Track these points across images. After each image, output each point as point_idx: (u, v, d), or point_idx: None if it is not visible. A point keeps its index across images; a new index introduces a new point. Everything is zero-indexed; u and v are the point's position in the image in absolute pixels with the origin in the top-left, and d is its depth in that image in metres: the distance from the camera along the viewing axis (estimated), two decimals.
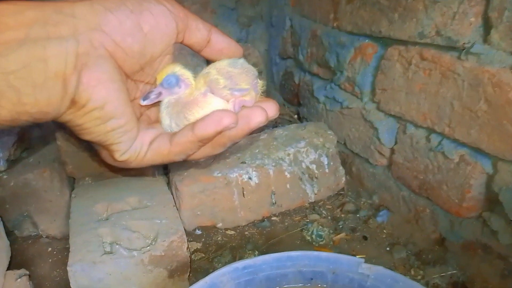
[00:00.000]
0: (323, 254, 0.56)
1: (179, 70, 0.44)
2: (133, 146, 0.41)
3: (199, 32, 0.44)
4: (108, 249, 0.65)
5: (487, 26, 0.61)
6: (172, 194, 0.82)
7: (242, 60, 0.46)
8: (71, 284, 0.61)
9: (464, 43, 0.65)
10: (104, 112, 0.37)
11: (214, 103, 0.43)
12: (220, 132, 0.40)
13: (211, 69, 0.44)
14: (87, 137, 0.40)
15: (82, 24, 0.36)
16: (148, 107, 0.47)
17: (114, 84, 0.38)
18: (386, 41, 0.82)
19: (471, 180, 0.68)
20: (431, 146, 0.74)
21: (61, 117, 0.38)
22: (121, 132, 0.40)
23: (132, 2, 0.39)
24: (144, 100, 0.44)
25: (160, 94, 0.44)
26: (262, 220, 0.90)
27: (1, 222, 0.67)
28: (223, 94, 0.43)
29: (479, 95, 0.63)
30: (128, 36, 0.38)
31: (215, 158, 0.88)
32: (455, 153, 0.70)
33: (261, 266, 0.55)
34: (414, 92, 0.76)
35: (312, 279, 0.56)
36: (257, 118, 0.41)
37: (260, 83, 0.46)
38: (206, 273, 0.64)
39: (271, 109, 0.43)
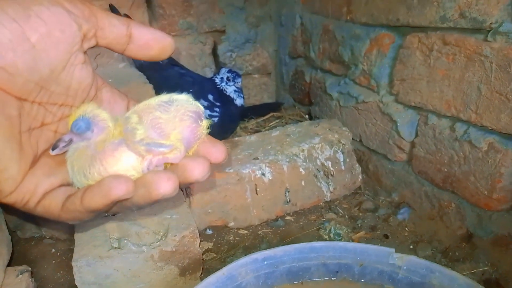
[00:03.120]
0: (350, 244, 0.51)
1: (91, 111, 0.36)
2: (19, 190, 0.34)
3: (114, 28, 0.37)
4: (115, 244, 0.61)
5: None
6: (181, 190, 0.78)
7: (183, 97, 0.37)
8: (75, 281, 0.56)
9: (491, 23, 0.61)
10: None
11: (123, 161, 0.35)
12: (112, 204, 0.33)
13: (133, 114, 0.36)
14: None
15: None
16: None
17: None
18: (404, 30, 0.79)
19: (502, 168, 0.64)
20: (456, 136, 0.70)
21: None
22: None
23: (15, 8, 0.32)
24: (53, 149, 0.36)
25: (71, 141, 0.37)
26: (276, 219, 0.86)
27: (2, 215, 0.63)
28: (137, 150, 0.35)
29: (510, 76, 0.60)
30: (8, 51, 0.32)
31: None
32: (483, 141, 0.66)
33: (282, 258, 0.51)
34: (437, 79, 0.72)
35: (337, 272, 0.52)
36: (161, 188, 0.33)
37: (204, 124, 0.38)
38: None
39: (200, 167, 0.35)
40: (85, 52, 0.37)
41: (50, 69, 0.34)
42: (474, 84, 0.65)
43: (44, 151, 0.37)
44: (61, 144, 0.36)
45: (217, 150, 0.38)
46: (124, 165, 0.35)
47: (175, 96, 0.37)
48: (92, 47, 0.38)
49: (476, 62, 0.64)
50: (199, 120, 0.37)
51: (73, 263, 0.56)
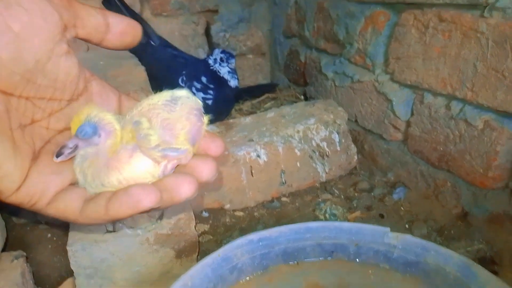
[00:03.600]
0: (345, 224, 0.51)
1: (96, 115, 0.35)
2: (25, 190, 0.33)
3: (92, 17, 0.36)
4: (110, 228, 0.60)
5: None
6: None
7: (184, 93, 0.37)
8: (71, 265, 0.56)
9: None
10: None
11: (141, 167, 0.35)
12: (139, 213, 0.33)
13: (143, 118, 0.36)
14: None
15: None
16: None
17: None
18: (399, 7, 0.77)
19: (498, 146, 0.63)
20: (451, 114, 0.70)
21: None
22: None
23: None
24: (57, 156, 0.35)
25: (76, 147, 0.35)
26: (272, 201, 0.86)
27: None
28: (152, 156, 0.35)
29: (506, 53, 0.59)
30: None
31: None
32: (478, 119, 0.65)
33: (277, 239, 0.50)
34: (432, 57, 0.71)
35: (333, 252, 0.52)
36: (183, 192, 0.33)
37: (205, 120, 0.38)
38: None
39: (208, 167, 0.36)
40: (68, 43, 0.36)
41: (35, 59, 0.33)
42: (470, 61, 0.65)
43: (41, 149, 0.36)
44: (66, 151, 0.35)
45: (216, 145, 0.39)
46: (142, 171, 0.34)
47: (177, 93, 0.37)
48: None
49: (472, 38, 0.63)
50: (201, 117, 0.37)
51: (68, 248, 0.56)
